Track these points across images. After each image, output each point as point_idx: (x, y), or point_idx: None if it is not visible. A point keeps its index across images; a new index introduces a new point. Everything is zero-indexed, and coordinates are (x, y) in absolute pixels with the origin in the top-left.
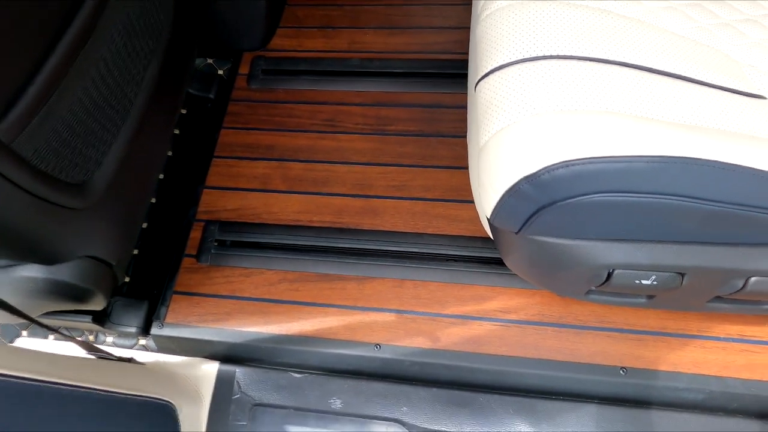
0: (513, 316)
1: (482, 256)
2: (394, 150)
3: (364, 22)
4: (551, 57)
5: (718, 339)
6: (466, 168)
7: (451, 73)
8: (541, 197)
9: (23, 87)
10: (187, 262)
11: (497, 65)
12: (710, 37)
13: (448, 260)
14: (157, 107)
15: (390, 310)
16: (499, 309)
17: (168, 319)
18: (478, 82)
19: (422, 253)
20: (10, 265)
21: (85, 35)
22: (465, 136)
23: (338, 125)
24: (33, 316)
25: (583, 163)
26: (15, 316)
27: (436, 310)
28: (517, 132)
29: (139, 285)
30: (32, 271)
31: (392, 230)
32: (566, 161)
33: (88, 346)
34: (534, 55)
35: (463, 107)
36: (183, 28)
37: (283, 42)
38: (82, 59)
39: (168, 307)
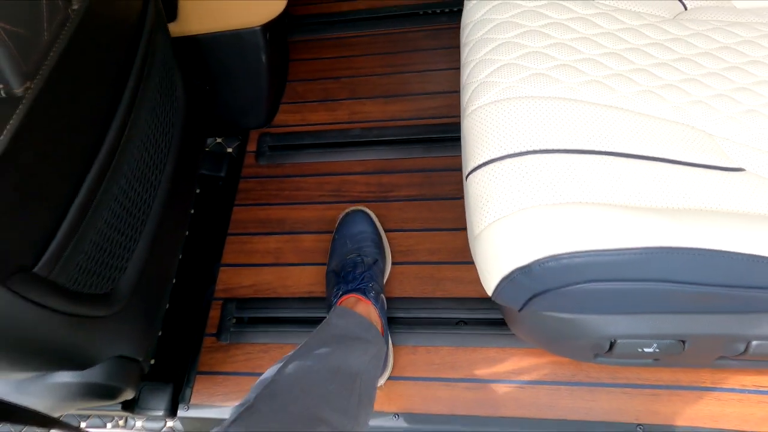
0: (526, 377)
1: (491, 318)
2: (397, 216)
3: (361, 93)
4: (535, 152)
5: (733, 391)
6: None
7: (447, 137)
8: (535, 286)
9: (57, 224)
10: (208, 341)
11: (485, 160)
12: (684, 115)
13: (458, 324)
14: (173, 203)
15: (405, 378)
16: (512, 371)
17: (193, 401)
18: (469, 174)
19: (432, 318)
20: (45, 374)
21: (108, 165)
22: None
23: (344, 195)
24: (65, 412)
25: (571, 257)
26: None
27: (451, 375)
28: (506, 226)
29: (163, 367)
30: (65, 377)
31: (402, 296)
32: (555, 255)
33: None
34: (519, 150)
35: (460, 169)
36: (193, 123)
37: (286, 117)
38: (106, 186)
39: (192, 388)
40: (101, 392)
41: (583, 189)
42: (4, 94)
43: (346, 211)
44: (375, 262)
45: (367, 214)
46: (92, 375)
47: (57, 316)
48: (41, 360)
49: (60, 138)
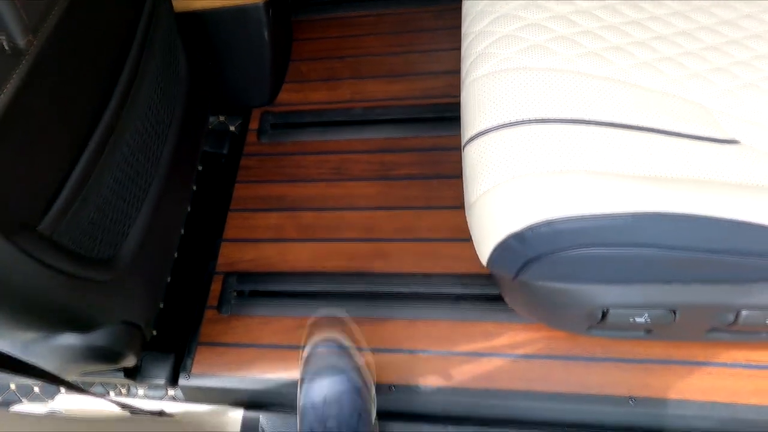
0: (521, 351)
1: (488, 293)
2: (399, 193)
3: (364, 72)
4: (530, 121)
5: (725, 365)
6: None
7: (449, 116)
8: (528, 251)
9: (61, 184)
10: (209, 313)
11: (481, 130)
12: (681, 88)
13: (456, 299)
14: (176, 174)
15: (403, 351)
16: (508, 344)
17: (194, 370)
18: (466, 144)
19: (431, 293)
20: (50, 335)
21: (111, 130)
22: None
23: (345, 173)
24: (71, 377)
25: (563, 222)
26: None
27: (447, 348)
28: (501, 194)
29: (165, 338)
30: (69, 339)
31: (401, 272)
32: (547, 220)
33: (120, 404)
34: (514, 120)
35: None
36: (196, 97)
37: (289, 96)
38: (109, 150)
39: (193, 358)
40: (104, 355)
41: (577, 157)
42: (7, 47)
43: (312, 341)
44: (357, 413)
45: (342, 368)
46: (96, 338)
47: (60, 276)
48: (46, 320)
49: (63, 97)
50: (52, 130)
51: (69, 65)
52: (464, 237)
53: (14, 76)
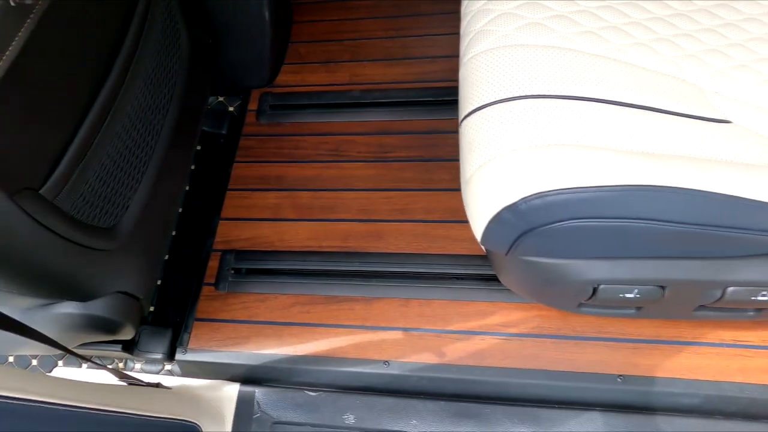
0: (513, 330)
1: (482, 273)
2: (396, 175)
3: (363, 56)
4: (527, 97)
5: (712, 345)
6: None
7: (446, 100)
8: (521, 224)
9: (63, 150)
10: (206, 290)
11: (479, 105)
12: (676, 68)
13: (450, 279)
14: (175, 149)
15: (397, 328)
16: (500, 323)
17: (191, 345)
18: (463, 120)
19: (426, 273)
20: (50, 303)
21: (112, 99)
22: None
23: (342, 154)
24: (69, 347)
25: (555, 194)
26: (53, 348)
27: (441, 326)
28: (496, 167)
29: (163, 313)
30: (69, 308)
31: (396, 252)
32: (540, 192)
33: (119, 374)
34: (511, 95)
35: None
36: (196, 73)
37: (288, 78)
38: (110, 119)
39: (190, 333)
40: (102, 326)
41: (571, 132)
42: (12, 2)
43: None
44: None
45: None
46: (94, 308)
47: (60, 240)
48: (45, 284)
49: (67, 61)
50: (56, 93)
51: (73, 29)
52: (459, 219)
53: (21, 32)
